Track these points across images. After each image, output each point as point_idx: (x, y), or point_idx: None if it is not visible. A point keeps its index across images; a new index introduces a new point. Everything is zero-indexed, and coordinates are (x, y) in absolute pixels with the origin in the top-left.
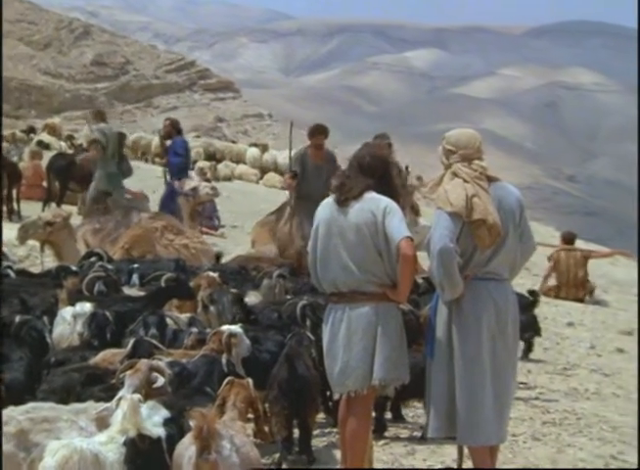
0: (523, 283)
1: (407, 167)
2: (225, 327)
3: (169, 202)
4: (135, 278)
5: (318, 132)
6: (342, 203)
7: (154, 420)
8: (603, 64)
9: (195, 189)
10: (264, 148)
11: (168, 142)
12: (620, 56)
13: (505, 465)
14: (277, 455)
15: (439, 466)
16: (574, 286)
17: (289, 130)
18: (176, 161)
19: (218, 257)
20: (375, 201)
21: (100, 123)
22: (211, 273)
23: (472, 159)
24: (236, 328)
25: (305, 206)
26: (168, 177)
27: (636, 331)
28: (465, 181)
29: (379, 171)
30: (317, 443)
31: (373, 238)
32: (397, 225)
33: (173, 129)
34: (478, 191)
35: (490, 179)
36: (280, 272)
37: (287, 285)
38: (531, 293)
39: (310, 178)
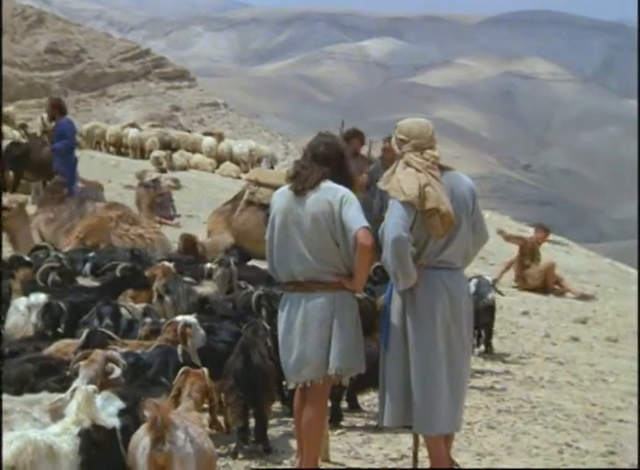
0: (478, 272)
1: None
2: (180, 317)
3: None
4: (87, 267)
5: (352, 136)
6: (299, 192)
7: (108, 411)
8: (558, 53)
9: (156, 180)
10: (220, 137)
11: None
12: (575, 46)
13: (460, 452)
14: (233, 445)
15: (395, 455)
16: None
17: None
18: (62, 143)
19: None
20: (332, 190)
21: None
22: (167, 263)
23: (424, 148)
24: (191, 318)
25: None
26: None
27: (590, 320)
28: (417, 171)
29: (333, 160)
30: (273, 432)
31: (330, 228)
32: (355, 215)
33: (57, 110)
34: (430, 180)
35: (443, 168)
36: (234, 260)
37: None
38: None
39: None
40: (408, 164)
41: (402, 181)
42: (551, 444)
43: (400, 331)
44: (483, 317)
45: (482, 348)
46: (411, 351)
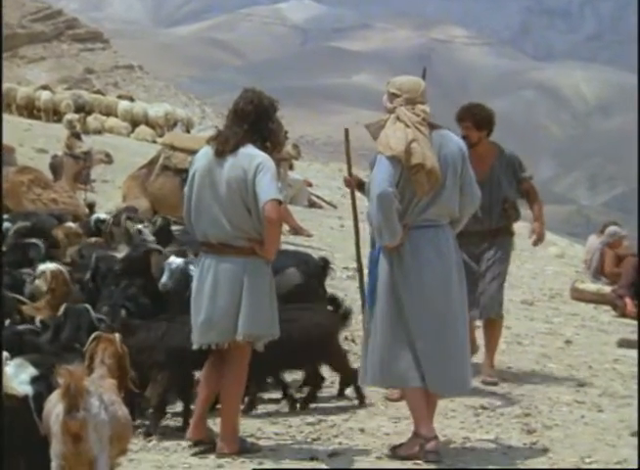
0: None
1: (286, 133)
2: (51, 264)
3: None
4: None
5: (459, 118)
6: (219, 154)
7: (21, 378)
8: (476, 17)
9: (88, 153)
10: (130, 100)
11: None
12: (493, 9)
13: (377, 416)
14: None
15: (312, 419)
16: None
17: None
18: None
19: (91, 206)
20: (249, 157)
21: None
22: (70, 223)
23: (416, 102)
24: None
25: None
26: None
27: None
28: (406, 126)
29: (251, 116)
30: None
31: (242, 195)
32: (266, 185)
33: None
34: (417, 136)
35: (433, 127)
36: (129, 215)
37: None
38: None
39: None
40: (398, 119)
41: (390, 136)
42: (467, 406)
43: (388, 293)
44: None
45: None
46: (407, 312)
